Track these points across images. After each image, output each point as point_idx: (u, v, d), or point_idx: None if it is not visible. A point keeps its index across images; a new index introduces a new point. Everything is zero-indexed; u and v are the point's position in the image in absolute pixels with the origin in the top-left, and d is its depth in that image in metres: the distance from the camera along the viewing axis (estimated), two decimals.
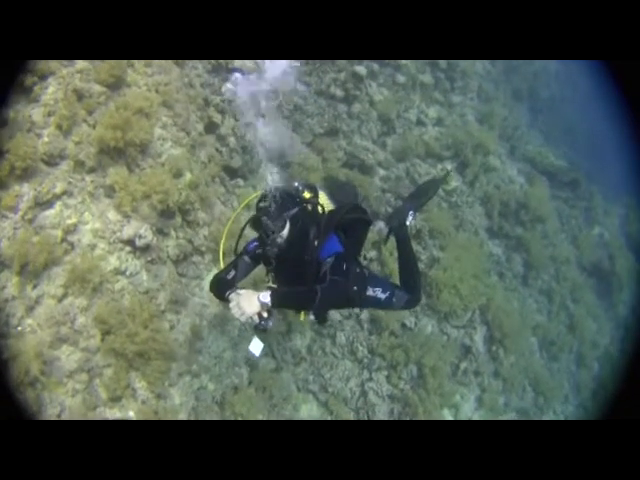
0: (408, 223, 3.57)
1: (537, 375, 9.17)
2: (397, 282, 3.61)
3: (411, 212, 3.58)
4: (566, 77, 15.05)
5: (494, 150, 10.43)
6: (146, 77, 6.61)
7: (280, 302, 2.65)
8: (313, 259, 2.87)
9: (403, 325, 7.86)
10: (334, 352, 7.41)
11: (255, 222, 2.88)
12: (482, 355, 8.50)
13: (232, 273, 3.00)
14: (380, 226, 8.21)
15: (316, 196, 3.07)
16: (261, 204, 2.85)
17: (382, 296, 3.29)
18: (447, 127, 10.24)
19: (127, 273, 5.58)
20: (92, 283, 5.18)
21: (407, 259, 3.55)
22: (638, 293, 11.64)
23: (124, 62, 6.24)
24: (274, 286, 3.07)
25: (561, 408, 9.33)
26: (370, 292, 3.24)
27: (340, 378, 7.27)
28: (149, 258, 5.79)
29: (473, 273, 8.60)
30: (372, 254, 7.84)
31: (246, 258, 2.94)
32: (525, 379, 9.02)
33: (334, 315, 7.32)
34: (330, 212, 3.08)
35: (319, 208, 3.01)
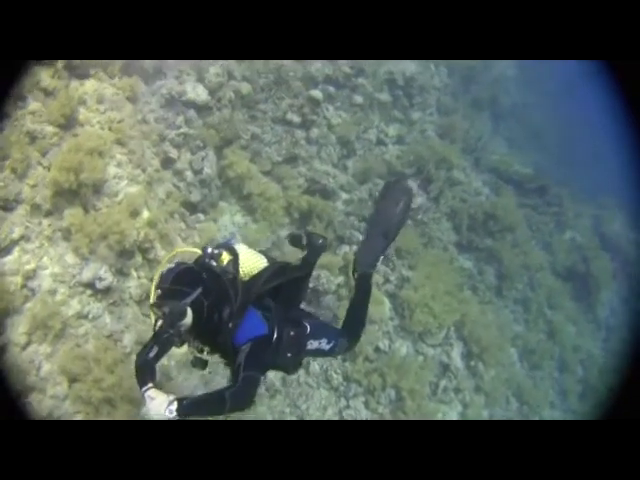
0: (375, 270, 3.55)
1: (520, 385, 9.69)
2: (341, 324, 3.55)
3: (382, 257, 3.52)
4: (525, 82, 15.92)
5: (458, 164, 11.04)
6: (98, 114, 6.98)
7: (187, 414, 2.58)
8: (228, 345, 2.73)
9: (377, 349, 8.26)
10: (309, 382, 7.75)
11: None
12: (461, 371, 8.95)
13: (154, 350, 2.73)
14: (345, 250, 8.62)
15: (235, 259, 2.89)
16: (157, 292, 2.66)
17: (326, 347, 3.26)
18: (408, 144, 10.85)
19: (89, 317, 5.88)
20: (54, 329, 5.47)
21: (360, 306, 3.52)
22: (619, 291, 12.25)
23: (75, 101, 6.59)
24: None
25: (548, 414, 9.78)
26: (314, 345, 3.19)
27: (317, 408, 7.61)
28: (111, 300, 6.10)
29: (445, 290, 9.09)
30: (339, 280, 8.22)
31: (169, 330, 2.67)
32: (508, 390, 9.52)
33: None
34: (251, 279, 2.89)
35: (236, 278, 2.83)
